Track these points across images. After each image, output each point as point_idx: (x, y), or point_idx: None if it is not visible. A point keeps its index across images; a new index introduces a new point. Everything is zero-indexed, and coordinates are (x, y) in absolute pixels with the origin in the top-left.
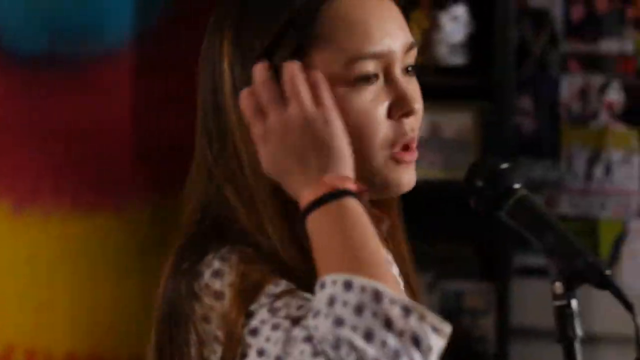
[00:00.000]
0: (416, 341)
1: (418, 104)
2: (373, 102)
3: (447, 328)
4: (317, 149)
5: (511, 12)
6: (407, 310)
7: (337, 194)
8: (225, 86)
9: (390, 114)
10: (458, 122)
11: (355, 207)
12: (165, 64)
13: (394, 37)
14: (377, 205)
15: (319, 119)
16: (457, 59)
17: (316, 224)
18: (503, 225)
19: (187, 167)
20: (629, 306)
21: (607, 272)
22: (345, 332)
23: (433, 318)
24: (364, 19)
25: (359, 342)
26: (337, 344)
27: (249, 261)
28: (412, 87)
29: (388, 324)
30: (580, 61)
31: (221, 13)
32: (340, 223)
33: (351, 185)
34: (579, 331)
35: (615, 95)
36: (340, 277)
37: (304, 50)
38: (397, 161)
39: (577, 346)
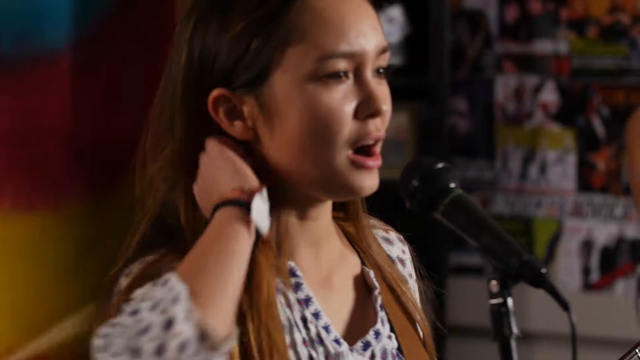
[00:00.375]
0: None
1: (386, 106)
2: (341, 101)
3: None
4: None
5: (446, 13)
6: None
7: (224, 203)
8: (179, 76)
9: (357, 114)
10: (394, 122)
11: (226, 217)
12: (103, 65)
13: (368, 37)
14: (342, 209)
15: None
16: (393, 60)
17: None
18: (438, 224)
19: (123, 165)
20: (564, 304)
21: (543, 270)
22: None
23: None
24: (340, 17)
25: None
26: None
27: (144, 278)
28: (381, 89)
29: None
30: (515, 62)
31: (193, 3)
32: (209, 229)
33: (241, 194)
34: (514, 329)
35: (549, 96)
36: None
37: (277, 45)
38: (359, 166)
39: (513, 344)
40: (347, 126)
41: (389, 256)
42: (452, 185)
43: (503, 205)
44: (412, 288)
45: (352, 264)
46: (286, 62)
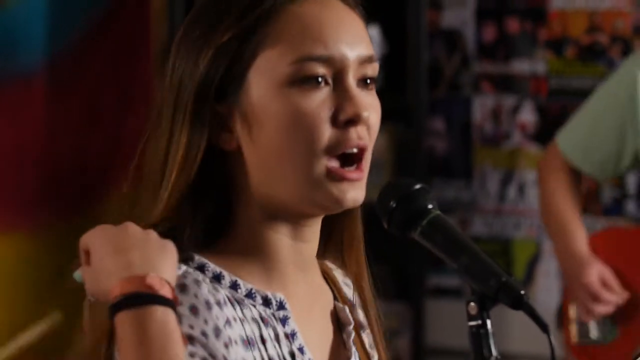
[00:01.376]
0: None
1: (366, 112)
2: (318, 106)
3: None
4: (140, 246)
5: (423, 33)
6: None
7: (146, 298)
8: (166, 81)
9: (335, 120)
10: None
11: (161, 318)
12: (78, 86)
13: (349, 45)
14: (331, 225)
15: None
16: None
17: (120, 326)
18: (417, 245)
19: (99, 187)
20: (543, 326)
21: (522, 292)
22: None
23: None
24: (319, 22)
25: None
26: None
27: None
28: (365, 97)
29: None
30: (493, 82)
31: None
32: (140, 334)
33: (167, 291)
34: (494, 351)
35: (527, 116)
36: None
37: (253, 48)
38: (338, 178)
39: None
40: (325, 133)
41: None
42: (430, 206)
43: (481, 227)
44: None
45: (328, 298)
46: (262, 65)
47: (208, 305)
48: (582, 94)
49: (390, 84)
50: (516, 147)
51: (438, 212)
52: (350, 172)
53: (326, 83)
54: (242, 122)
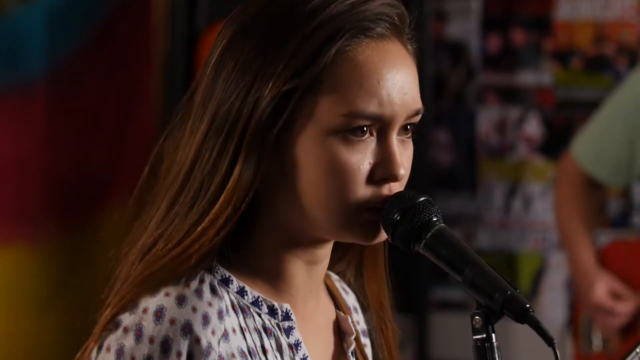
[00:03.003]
0: None
1: (403, 170)
2: (358, 159)
3: None
4: None
5: (428, 44)
6: None
7: None
8: (204, 80)
9: (372, 175)
10: None
11: None
12: (79, 97)
13: (402, 102)
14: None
15: None
16: None
17: None
18: (421, 258)
19: (102, 196)
20: (549, 340)
21: (527, 305)
22: None
23: None
24: (378, 75)
25: None
26: None
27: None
28: (403, 152)
29: None
30: (498, 93)
31: (241, 9)
32: None
33: None
34: None
35: (533, 128)
36: None
37: (307, 91)
38: (370, 219)
39: None
40: (361, 188)
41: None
42: (435, 218)
43: (486, 239)
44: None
45: (330, 308)
46: (313, 109)
47: (205, 319)
48: (588, 106)
49: None
50: (521, 159)
51: (442, 224)
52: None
53: (370, 134)
54: (282, 158)
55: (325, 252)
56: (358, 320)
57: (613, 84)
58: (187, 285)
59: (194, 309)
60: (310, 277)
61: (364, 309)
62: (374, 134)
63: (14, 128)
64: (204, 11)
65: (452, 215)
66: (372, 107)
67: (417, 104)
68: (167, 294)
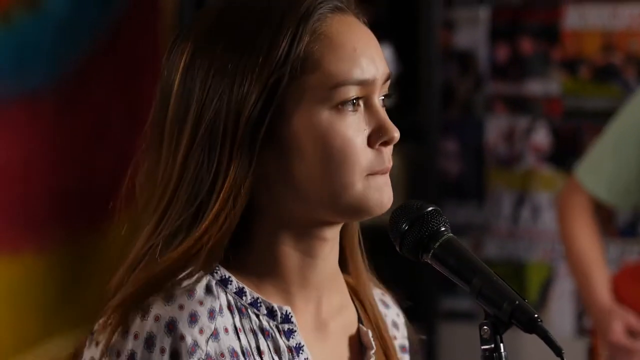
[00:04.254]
0: None
1: (397, 133)
2: (354, 130)
3: None
4: None
5: (436, 53)
6: None
7: None
8: (172, 99)
9: (370, 142)
10: None
11: None
12: (86, 104)
13: (377, 65)
14: (344, 261)
15: None
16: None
17: None
18: (429, 268)
19: (107, 206)
20: (557, 350)
21: (535, 315)
22: None
23: None
24: (351, 44)
25: None
26: None
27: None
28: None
29: None
30: (506, 103)
31: (192, 25)
32: None
33: None
34: None
35: (541, 137)
36: None
37: (291, 77)
38: (379, 180)
39: None
40: (363, 156)
41: (384, 319)
42: (443, 228)
43: (494, 249)
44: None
45: (350, 318)
46: (299, 94)
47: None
48: (597, 115)
49: (403, 104)
50: (530, 169)
51: (450, 234)
52: (384, 175)
53: (358, 104)
54: (277, 149)
55: (327, 245)
56: (396, 336)
57: (621, 94)
58: (180, 284)
59: (181, 307)
60: (312, 272)
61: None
62: (361, 104)
63: (21, 136)
64: None
65: (460, 224)
66: (356, 74)
67: (387, 68)
68: (157, 294)
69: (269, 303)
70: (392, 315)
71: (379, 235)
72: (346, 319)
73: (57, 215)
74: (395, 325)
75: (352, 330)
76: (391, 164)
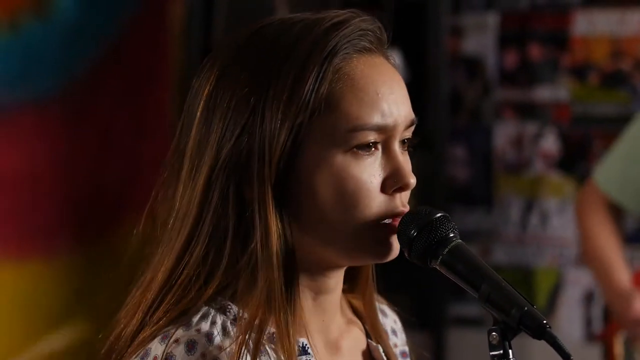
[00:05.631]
0: None
1: (413, 179)
2: (369, 174)
3: None
4: None
5: (444, 60)
6: None
7: None
8: (194, 126)
9: (384, 188)
10: None
11: None
12: (94, 111)
13: (400, 112)
14: (351, 280)
15: None
16: None
17: None
18: (438, 274)
19: (115, 214)
20: (566, 356)
21: (544, 321)
22: None
23: None
24: (374, 87)
25: None
26: None
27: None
28: (407, 161)
29: None
30: (514, 109)
31: (219, 50)
32: None
33: None
34: None
35: (549, 143)
36: None
37: (310, 114)
38: (386, 231)
39: None
40: (376, 200)
41: (386, 330)
42: (451, 234)
43: (503, 255)
44: None
45: (358, 334)
46: (317, 133)
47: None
48: (605, 121)
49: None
50: (538, 175)
51: (459, 240)
52: (396, 220)
53: (376, 148)
54: (292, 187)
55: (335, 281)
56: (396, 343)
57: (630, 99)
58: (198, 329)
59: (204, 356)
60: (323, 308)
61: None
62: (379, 148)
63: (29, 144)
64: (219, 25)
65: (469, 230)
66: (375, 119)
67: (412, 114)
68: (176, 340)
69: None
70: (390, 322)
71: None
72: (355, 336)
73: (65, 223)
74: (394, 332)
75: (363, 346)
76: (407, 208)
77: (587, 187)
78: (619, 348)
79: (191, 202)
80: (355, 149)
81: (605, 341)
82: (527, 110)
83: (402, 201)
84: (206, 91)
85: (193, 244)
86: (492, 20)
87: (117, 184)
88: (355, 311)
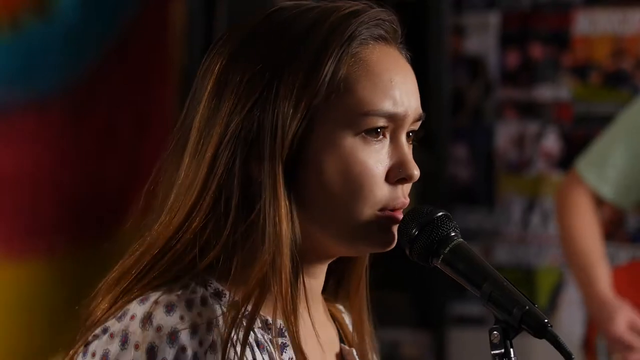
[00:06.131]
0: None
1: (417, 171)
2: (375, 160)
3: None
4: None
5: (445, 59)
6: None
7: None
8: (202, 103)
9: (388, 177)
10: None
11: None
12: (94, 111)
13: (411, 103)
14: (343, 268)
15: None
16: None
17: None
18: (439, 273)
19: (118, 211)
20: (567, 355)
21: (546, 320)
22: None
23: None
24: (389, 75)
25: None
26: None
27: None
28: (411, 154)
29: None
30: (516, 108)
31: (229, 34)
32: None
33: None
34: None
35: (551, 143)
36: None
37: (325, 96)
38: (388, 220)
39: None
40: (379, 187)
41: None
42: (453, 233)
43: (504, 254)
44: None
45: (332, 336)
46: (328, 115)
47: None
48: (607, 120)
49: None
50: (540, 174)
51: (460, 239)
52: (397, 212)
53: (384, 136)
54: (301, 168)
55: (322, 268)
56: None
57: (631, 99)
58: (178, 295)
59: (182, 318)
60: (310, 289)
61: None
62: (387, 136)
63: (30, 143)
64: (221, 24)
65: (470, 230)
66: (387, 106)
67: (421, 109)
68: (156, 302)
69: (263, 316)
70: (348, 319)
71: None
72: (329, 336)
73: (66, 222)
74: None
75: (336, 348)
76: (408, 200)
77: (570, 179)
78: (599, 349)
79: (197, 173)
80: (364, 134)
81: (586, 343)
82: (529, 110)
83: (403, 193)
84: (217, 68)
85: (194, 215)
86: (493, 19)
87: (118, 183)
88: (332, 315)
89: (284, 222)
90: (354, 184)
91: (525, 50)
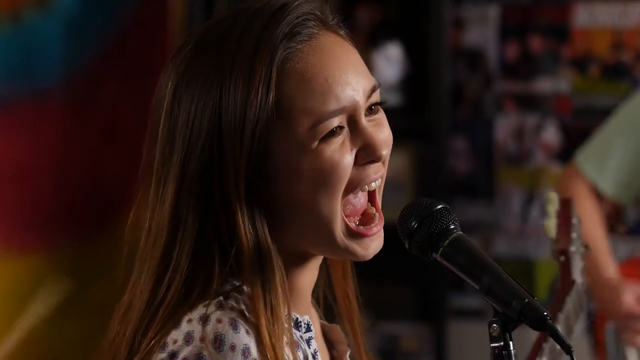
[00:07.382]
0: None
1: (385, 150)
2: (339, 152)
3: None
4: None
5: (445, 52)
6: None
7: None
8: (155, 161)
9: (357, 161)
10: (392, 162)
11: None
12: (95, 104)
13: (355, 85)
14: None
15: None
16: (392, 100)
17: None
18: (439, 266)
19: (116, 206)
20: (567, 348)
21: (545, 313)
22: None
23: None
24: (324, 74)
25: None
26: None
27: None
28: (378, 131)
29: None
30: (515, 101)
31: (182, 47)
32: None
33: None
34: None
35: (551, 135)
36: None
37: (269, 120)
38: (361, 236)
39: None
40: (348, 174)
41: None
42: (452, 226)
43: (504, 247)
44: None
45: (316, 317)
46: (281, 131)
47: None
48: (607, 113)
49: (412, 103)
50: (539, 167)
51: (460, 232)
52: (370, 229)
53: (341, 128)
54: (268, 186)
55: (316, 264)
56: None
57: (631, 91)
58: (220, 319)
59: (247, 332)
60: (312, 280)
61: None
62: (344, 126)
63: (30, 137)
64: None
65: (470, 222)
66: (332, 106)
67: (371, 81)
68: (218, 321)
69: (294, 315)
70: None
71: (387, 232)
72: (317, 318)
73: (66, 216)
74: None
75: (327, 355)
76: (378, 175)
77: (569, 172)
78: (609, 340)
79: (163, 217)
80: (321, 140)
81: (594, 332)
82: (528, 102)
83: (374, 170)
84: (166, 103)
85: (174, 262)
86: (493, 12)
87: (118, 176)
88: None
89: (264, 244)
90: (323, 179)
91: (524, 42)
